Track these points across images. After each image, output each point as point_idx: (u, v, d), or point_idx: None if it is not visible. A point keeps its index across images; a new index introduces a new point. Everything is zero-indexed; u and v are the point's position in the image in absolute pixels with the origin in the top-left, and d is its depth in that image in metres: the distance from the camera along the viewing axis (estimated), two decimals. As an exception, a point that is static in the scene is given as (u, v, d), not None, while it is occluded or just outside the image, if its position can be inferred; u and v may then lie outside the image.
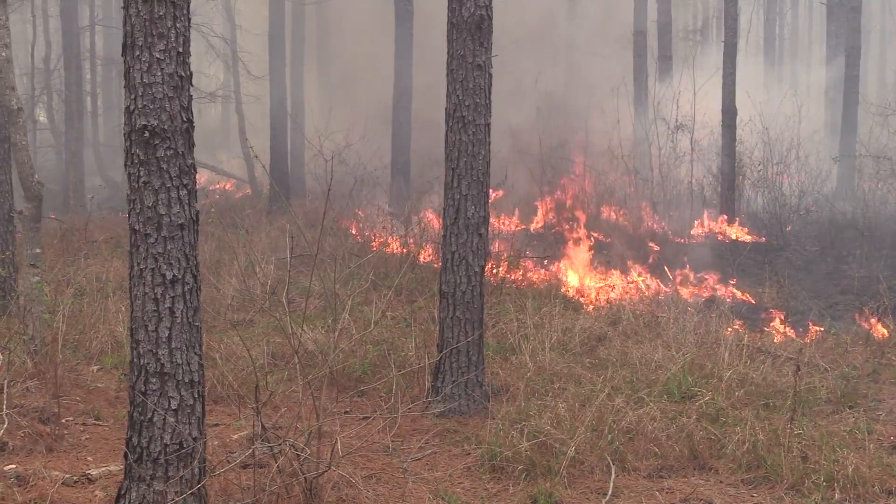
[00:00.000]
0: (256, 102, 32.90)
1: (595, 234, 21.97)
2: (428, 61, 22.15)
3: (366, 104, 31.32)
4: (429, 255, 18.88)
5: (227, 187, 34.00)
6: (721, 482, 8.90)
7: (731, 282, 18.06)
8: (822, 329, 14.77)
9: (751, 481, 8.85)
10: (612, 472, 8.83)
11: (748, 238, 22.92)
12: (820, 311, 15.87)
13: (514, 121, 25.25)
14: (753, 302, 17.12)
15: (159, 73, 6.99)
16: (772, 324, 15.25)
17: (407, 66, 25.73)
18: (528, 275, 17.91)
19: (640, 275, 18.35)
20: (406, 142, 25.79)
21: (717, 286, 18.00)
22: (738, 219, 24.32)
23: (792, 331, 14.79)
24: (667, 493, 8.63)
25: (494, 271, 16.85)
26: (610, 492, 8.50)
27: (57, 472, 8.49)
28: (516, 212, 23.26)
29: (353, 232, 22.58)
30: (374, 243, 20.95)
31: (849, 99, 28.83)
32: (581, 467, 8.95)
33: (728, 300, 16.94)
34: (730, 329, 13.83)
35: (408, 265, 16.67)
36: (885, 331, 14.31)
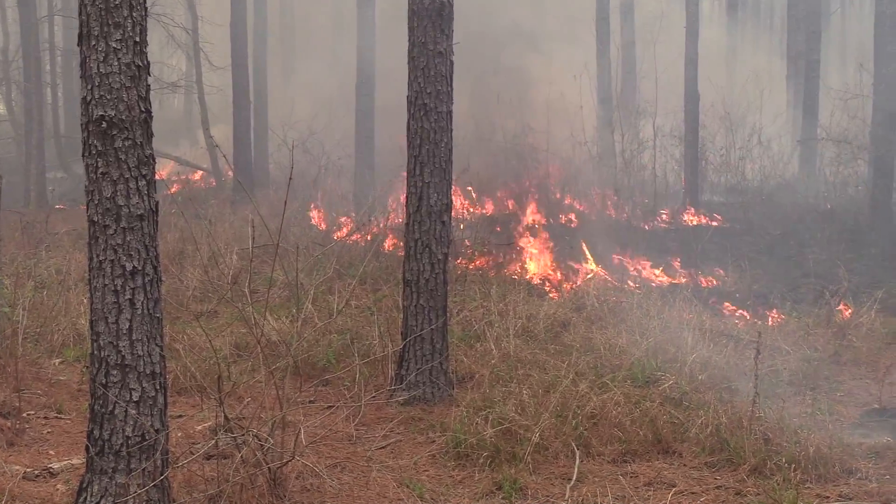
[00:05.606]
0: (219, 93, 32.69)
1: (558, 221, 22.00)
2: (390, 48, 22.09)
3: (329, 93, 31.22)
4: (393, 243, 18.84)
5: (192, 178, 33.77)
6: (685, 465, 8.95)
7: (694, 267, 18.14)
8: (784, 312, 14.87)
9: (714, 464, 8.90)
10: (577, 458, 8.85)
11: (711, 223, 23.02)
12: (782, 295, 15.98)
13: (475, 108, 25.21)
14: (717, 286, 17.22)
15: (116, 63, 6.93)
16: (734, 307, 15.33)
17: (369, 53, 25.67)
18: (492, 262, 17.91)
19: (603, 260, 18.38)
20: (370, 130, 25.73)
21: (680, 271, 18.08)
22: (701, 203, 24.43)
23: (754, 314, 14.88)
24: (631, 477, 8.67)
25: (459, 260, 16.85)
26: (574, 477, 8.51)
27: (18, 467, 8.43)
28: (479, 198, 23.25)
29: (317, 221, 22.52)
30: (337, 232, 20.90)
31: (810, 82, 28.98)
32: (546, 453, 8.97)
33: (691, 285, 17.01)
34: (692, 313, 13.89)
35: (372, 254, 16.65)
36: (845, 313, 14.43)
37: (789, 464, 8.42)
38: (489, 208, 22.80)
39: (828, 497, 8.16)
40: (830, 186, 24.98)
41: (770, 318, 14.68)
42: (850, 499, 8.13)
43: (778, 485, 8.13)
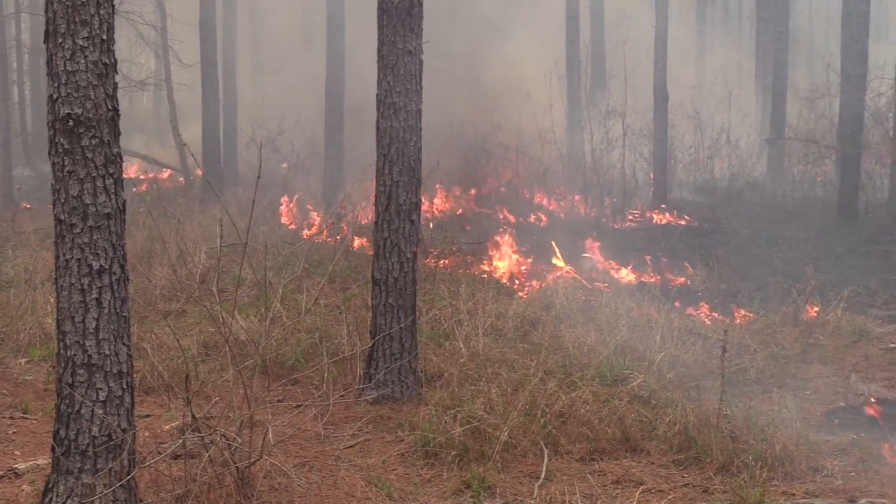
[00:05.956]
0: (188, 91, 32.57)
1: (528, 220, 22.04)
2: (360, 47, 22.07)
3: (299, 91, 31.16)
4: (362, 242, 18.83)
5: (160, 176, 33.63)
6: (652, 463, 8.98)
7: (663, 265, 18.20)
8: (752, 310, 14.95)
9: (681, 462, 8.93)
10: (545, 456, 8.87)
11: (680, 221, 23.12)
12: (750, 293, 16.05)
13: (446, 106, 25.22)
14: (685, 284, 17.28)
15: (83, 61, 6.89)
16: (702, 306, 15.39)
17: (339, 52, 25.63)
18: (461, 261, 17.91)
19: (573, 259, 18.41)
20: (339, 128, 25.72)
21: (648, 270, 18.13)
22: (670, 202, 24.52)
23: (722, 313, 14.95)
24: (599, 475, 8.69)
25: (428, 259, 16.86)
26: (543, 475, 8.53)
27: (-17, 467, 8.38)
28: (449, 197, 23.27)
29: (286, 220, 22.49)
30: (306, 231, 20.88)
31: (777, 82, 29.19)
32: (514, 452, 8.97)
33: (659, 283, 17.07)
34: (661, 312, 13.94)
35: (341, 252, 16.62)
36: (812, 311, 14.52)
37: (756, 461, 8.46)
38: (458, 207, 22.82)
39: (794, 494, 8.21)
40: (798, 185, 25.14)
41: (738, 317, 14.75)
42: (816, 496, 8.19)
43: (745, 482, 8.17)
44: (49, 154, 7.02)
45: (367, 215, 19.96)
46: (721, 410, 9.23)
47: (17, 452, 9.04)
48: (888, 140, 22.99)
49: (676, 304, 15.25)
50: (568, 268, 17.73)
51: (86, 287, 7.00)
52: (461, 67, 26.98)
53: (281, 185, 24.73)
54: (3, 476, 8.30)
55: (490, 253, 18.79)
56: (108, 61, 6.99)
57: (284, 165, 26.99)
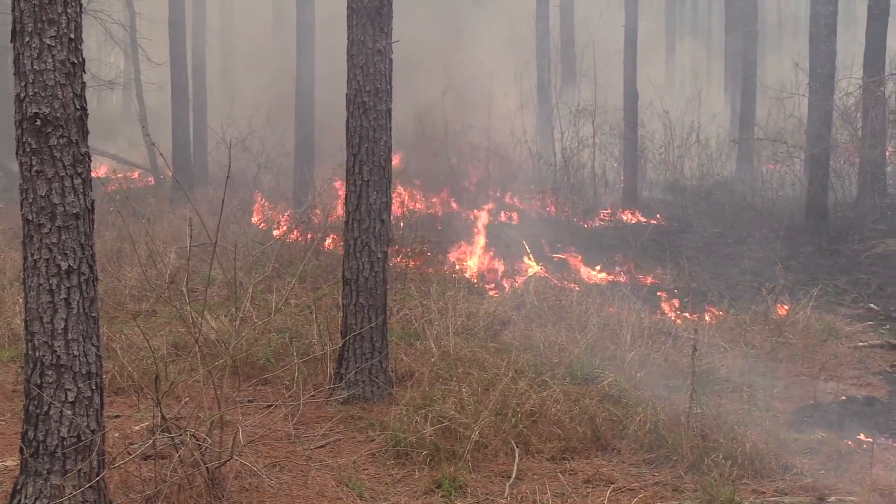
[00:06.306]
0: (158, 90, 32.39)
1: (498, 219, 22.04)
2: (330, 47, 22.02)
3: (269, 90, 31.07)
4: (333, 242, 18.78)
5: (130, 176, 33.44)
6: (623, 462, 9.00)
7: (634, 264, 18.25)
8: (722, 309, 15.01)
9: (652, 461, 8.96)
10: (516, 455, 8.88)
11: (650, 221, 23.18)
12: (720, 292, 16.12)
13: (417, 106, 25.20)
14: (655, 283, 17.33)
15: (50, 60, 6.84)
16: (672, 305, 15.44)
17: (309, 51, 25.56)
18: (432, 260, 17.90)
19: (543, 259, 18.43)
20: (309, 128, 25.64)
21: (619, 269, 18.17)
22: (640, 202, 24.58)
23: (692, 312, 15.00)
24: (570, 474, 8.70)
25: (399, 258, 16.85)
26: (514, 475, 8.54)
27: (-49, 469, 8.32)
28: (419, 197, 23.26)
29: (256, 219, 22.42)
30: (277, 230, 20.82)
31: (747, 81, 29.34)
32: (485, 451, 8.98)
33: (630, 283, 17.11)
34: (631, 311, 13.97)
35: (311, 252, 16.58)
36: (782, 310, 14.59)
37: (726, 460, 8.49)
38: (429, 206, 22.80)
39: (764, 492, 8.25)
40: (767, 184, 25.27)
41: (708, 316, 14.80)
42: (786, 494, 8.23)
43: (715, 481, 8.20)
44: (17, 154, 6.96)
45: (337, 214, 19.91)
46: (691, 409, 9.25)
47: (-16, 454, 8.99)
48: (856, 139, 23.13)
49: (647, 302, 15.28)
50: (539, 267, 17.75)
51: (54, 287, 6.96)
52: (432, 67, 26.96)
53: (251, 184, 24.66)
54: (-30, 478, 8.25)
55: (461, 252, 18.79)
56: (75, 60, 6.94)
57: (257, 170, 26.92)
